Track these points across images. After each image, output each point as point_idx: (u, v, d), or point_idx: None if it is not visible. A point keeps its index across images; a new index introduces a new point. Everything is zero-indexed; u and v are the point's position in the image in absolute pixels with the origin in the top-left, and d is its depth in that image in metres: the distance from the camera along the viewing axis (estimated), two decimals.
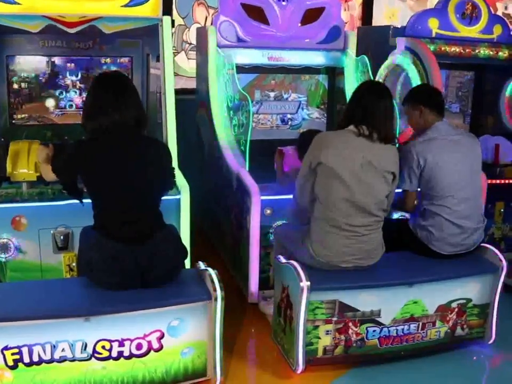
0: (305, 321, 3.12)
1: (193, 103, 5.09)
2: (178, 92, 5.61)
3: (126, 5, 3.83)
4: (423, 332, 3.36)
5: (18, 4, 3.70)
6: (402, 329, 3.31)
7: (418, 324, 3.34)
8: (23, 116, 4.34)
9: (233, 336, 3.57)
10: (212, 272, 3.03)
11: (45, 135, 4.32)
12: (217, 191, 4.56)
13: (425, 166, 3.39)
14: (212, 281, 2.97)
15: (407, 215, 3.80)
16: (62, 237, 3.49)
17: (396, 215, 3.99)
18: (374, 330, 3.26)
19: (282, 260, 3.32)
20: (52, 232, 3.48)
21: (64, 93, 4.41)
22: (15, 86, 4.30)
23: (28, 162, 3.47)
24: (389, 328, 3.28)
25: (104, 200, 2.94)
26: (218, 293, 2.94)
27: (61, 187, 3.42)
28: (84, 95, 4.32)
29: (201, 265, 3.16)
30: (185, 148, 4.93)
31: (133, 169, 2.89)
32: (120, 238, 2.89)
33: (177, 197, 3.55)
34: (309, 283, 3.07)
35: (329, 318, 3.17)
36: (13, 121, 4.32)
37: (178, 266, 3.07)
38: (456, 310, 3.41)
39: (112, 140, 2.90)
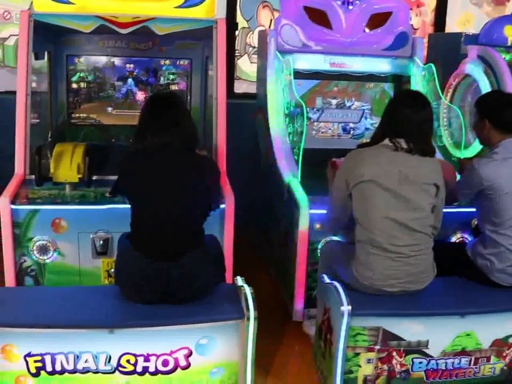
0: (345, 347, 2.87)
1: (254, 107, 4.90)
2: (239, 96, 5.55)
3: (180, 6, 3.70)
4: (476, 368, 3.04)
5: (72, 3, 3.66)
6: (452, 363, 3.00)
7: (471, 359, 3.02)
8: (81, 115, 4.28)
9: (272, 355, 3.37)
10: (247, 289, 2.82)
11: (101, 136, 4.25)
12: (270, 200, 4.35)
13: (490, 190, 3.04)
14: (246, 299, 2.77)
15: (466, 238, 3.49)
16: (101, 242, 3.38)
17: (453, 238, 3.67)
18: (420, 362, 2.97)
19: (326, 279, 3.08)
20: (91, 236, 3.38)
21: (122, 94, 4.31)
22: (74, 85, 4.24)
23: (70, 164, 3.38)
24: (437, 361, 2.98)
25: (140, 211, 2.82)
26: (252, 312, 2.72)
27: (102, 191, 3.35)
28: (142, 97, 4.27)
29: (239, 280, 2.96)
30: (244, 154, 4.80)
31: (173, 185, 2.77)
32: (149, 252, 2.76)
33: (222, 206, 3.35)
34: (350, 307, 2.81)
35: (372, 346, 2.91)
36: (71, 121, 4.26)
37: (209, 289, 2.88)
38: None
39: (157, 154, 2.80)
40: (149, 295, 2.77)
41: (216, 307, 2.80)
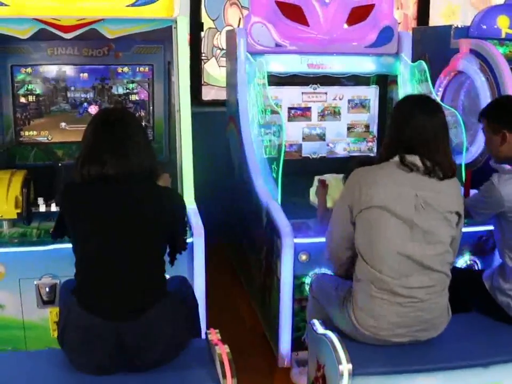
0: None
1: (225, 115, 4.27)
2: (208, 103, 4.90)
3: (133, 5, 3.05)
4: None
5: (6, 5, 2.98)
6: None
7: None
8: (31, 133, 3.61)
9: None
10: (223, 349, 2.18)
11: (55, 154, 3.60)
12: (247, 222, 3.70)
13: None
14: (222, 364, 2.13)
15: (476, 262, 2.90)
16: (47, 289, 2.76)
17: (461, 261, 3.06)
18: None
19: (319, 328, 2.44)
20: (35, 283, 2.76)
21: (76, 107, 3.64)
22: (22, 99, 3.56)
23: (6, 197, 2.73)
24: None
25: (87, 257, 2.17)
26: (229, 380, 2.09)
27: (47, 227, 2.75)
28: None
29: (213, 335, 2.32)
30: (215, 165, 4.20)
31: (128, 224, 2.14)
32: (100, 310, 2.10)
33: (189, 240, 2.70)
34: (350, 366, 2.19)
35: None
36: (20, 139, 3.59)
37: (178, 351, 2.24)
38: None
39: (108, 186, 2.17)
40: (102, 363, 2.12)
41: (185, 375, 2.16)
